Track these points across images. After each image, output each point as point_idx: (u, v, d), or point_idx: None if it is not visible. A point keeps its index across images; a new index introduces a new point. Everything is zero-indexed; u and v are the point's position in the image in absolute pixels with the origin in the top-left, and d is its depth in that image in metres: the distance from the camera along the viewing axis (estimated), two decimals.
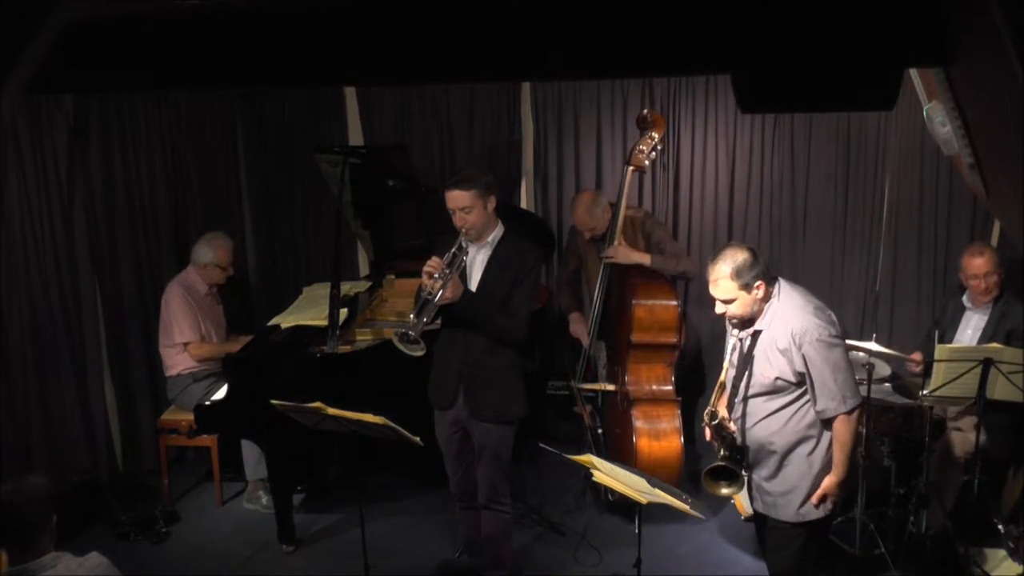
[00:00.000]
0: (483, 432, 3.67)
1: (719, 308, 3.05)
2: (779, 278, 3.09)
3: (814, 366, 2.94)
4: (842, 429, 2.99)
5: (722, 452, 3.13)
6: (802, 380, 2.99)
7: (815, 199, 5.22)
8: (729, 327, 3.18)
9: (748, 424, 3.12)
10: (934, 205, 5.03)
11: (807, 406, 3.02)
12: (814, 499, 3.07)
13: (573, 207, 4.68)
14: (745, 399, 3.10)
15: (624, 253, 4.44)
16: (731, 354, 3.13)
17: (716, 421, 3.10)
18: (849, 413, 2.97)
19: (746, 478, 3.16)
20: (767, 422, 3.07)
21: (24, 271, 4.60)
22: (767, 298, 3.01)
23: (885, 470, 4.16)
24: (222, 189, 5.48)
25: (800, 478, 3.07)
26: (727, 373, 3.11)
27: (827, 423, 3.02)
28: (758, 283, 2.96)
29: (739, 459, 3.13)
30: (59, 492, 2.77)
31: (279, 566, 4.28)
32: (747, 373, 3.07)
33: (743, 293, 2.96)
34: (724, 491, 3.12)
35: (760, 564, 4.01)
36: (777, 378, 2.99)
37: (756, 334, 3.05)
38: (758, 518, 3.36)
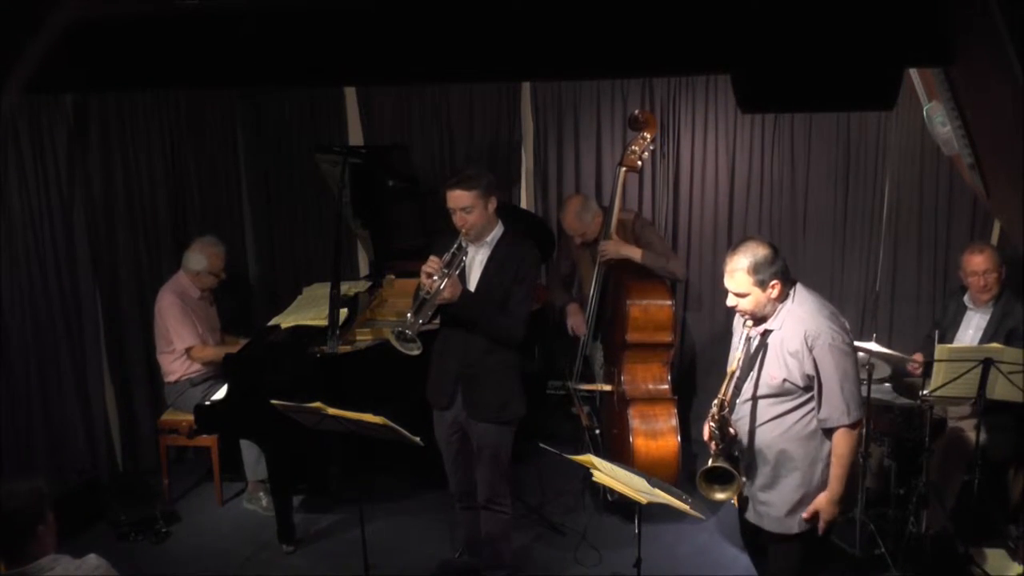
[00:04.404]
0: (481, 432, 3.67)
1: (730, 301, 2.95)
2: (797, 281, 2.97)
3: (824, 371, 2.84)
4: (842, 442, 2.89)
5: (717, 452, 3.00)
6: (809, 385, 2.89)
7: (815, 199, 5.22)
8: (739, 317, 3.08)
9: (751, 427, 3.02)
10: (934, 205, 5.03)
11: (812, 414, 2.93)
12: (805, 515, 2.96)
13: (562, 213, 4.67)
14: (748, 400, 3.00)
15: (615, 248, 4.45)
16: (741, 344, 3.00)
17: (725, 411, 2.97)
18: (852, 427, 2.88)
19: (742, 483, 3.04)
20: (770, 426, 2.97)
21: (24, 271, 4.59)
22: (781, 298, 2.91)
23: (885, 470, 4.16)
24: (222, 189, 5.48)
25: (796, 489, 2.97)
26: (737, 364, 2.99)
27: (828, 434, 2.93)
28: (774, 282, 2.86)
29: (735, 461, 3.03)
30: (56, 492, 2.70)
31: (279, 566, 4.28)
32: (753, 374, 2.97)
33: (757, 289, 2.87)
34: (719, 495, 2.98)
35: None
36: (785, 380, 2.89)
37: (766, 334, 2.95)
38: (747, 531, 3.25)
